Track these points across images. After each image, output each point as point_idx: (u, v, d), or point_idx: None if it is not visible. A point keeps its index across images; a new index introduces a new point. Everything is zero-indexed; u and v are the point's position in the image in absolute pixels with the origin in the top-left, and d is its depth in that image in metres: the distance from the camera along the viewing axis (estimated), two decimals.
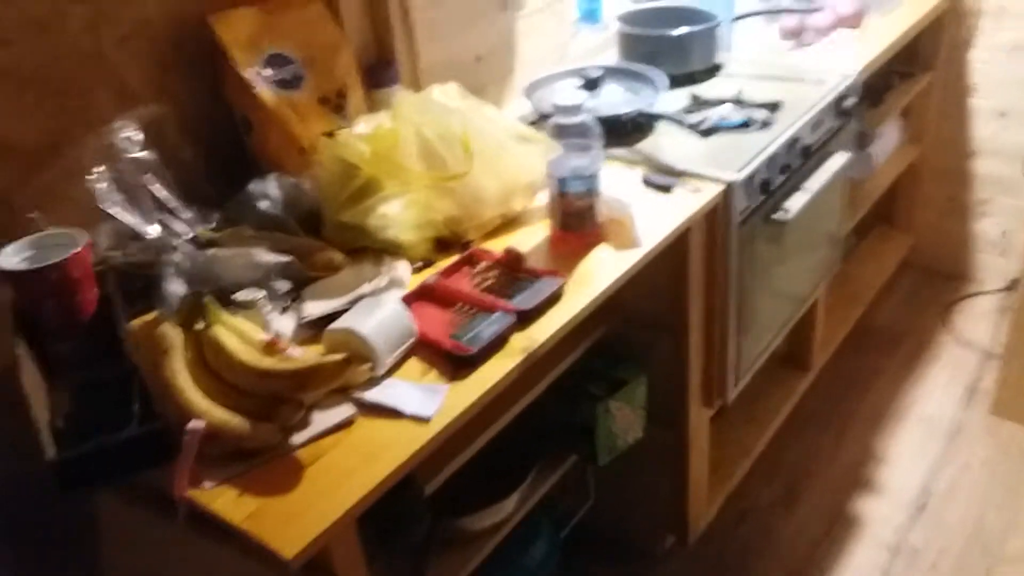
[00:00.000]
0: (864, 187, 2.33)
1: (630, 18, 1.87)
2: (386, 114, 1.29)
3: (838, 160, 1.73)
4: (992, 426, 2.16)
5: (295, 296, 1.19)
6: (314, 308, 1.16)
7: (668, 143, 1.59)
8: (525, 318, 1.14)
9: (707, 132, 1.55)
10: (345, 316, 1.10)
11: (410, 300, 1.18)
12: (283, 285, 1.17)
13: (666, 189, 1.42)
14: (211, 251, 1.15)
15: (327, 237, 1.27)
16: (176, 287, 1.09)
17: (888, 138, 2.40)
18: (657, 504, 1.80)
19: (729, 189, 1.44)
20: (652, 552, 1.87)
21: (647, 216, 1.35)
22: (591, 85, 1.64)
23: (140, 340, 1.06)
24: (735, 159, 1.50)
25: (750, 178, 1.47)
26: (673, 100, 1.71)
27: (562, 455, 1.54)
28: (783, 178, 1.58)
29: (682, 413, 1.64)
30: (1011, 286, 2.62)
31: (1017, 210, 2.54)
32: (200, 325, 1.04)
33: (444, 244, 1.32)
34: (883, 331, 2.52)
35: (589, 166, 1.25)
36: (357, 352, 1.04)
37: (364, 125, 1.26)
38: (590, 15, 2.00)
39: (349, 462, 0.96)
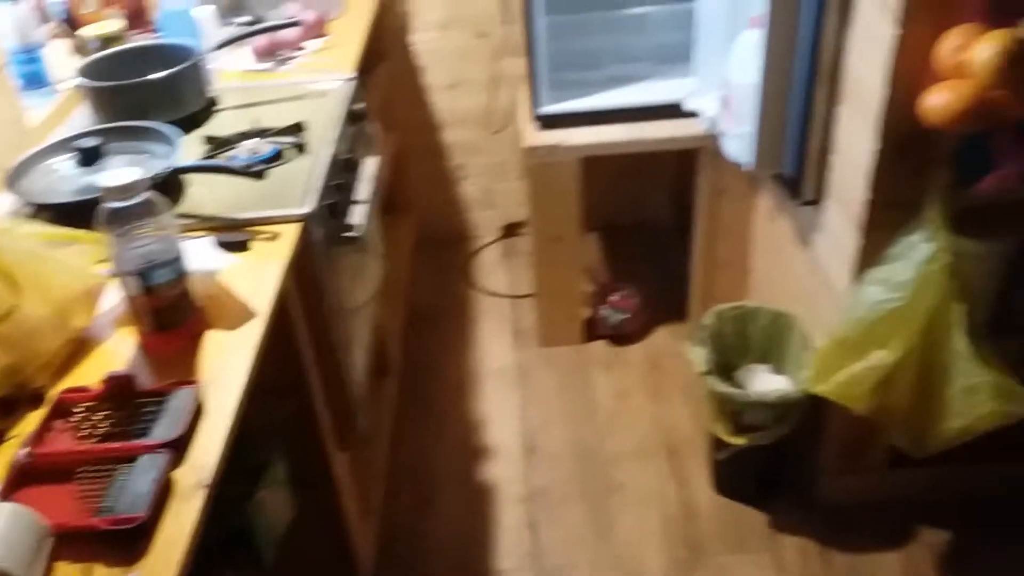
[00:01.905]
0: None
1: (94, 71, 1.61)
2: None
3: (370, 165, 1.73)
4: (546, 356, 2.43)
5: None
6: None
7: (210, 195, 1.41)
8: (178, 447, 0.93)
9: (257, 174, 1.41)
10: None
11: (8, 493, 0.88)
12: None
13: (243, 246, 1.27)
14: None
15: None
16: None
17: (376, 133, 2.48)
18: (323, 567, 1.66)
19: (307, 224, 1.34)
20: None
21: (240, 280, 1.19)
22: (90, 156, 1.38)
23: None
24: (293, 192, 1.40)
25: (319, 206, 1.39)
26: (188, 148, 1.52)
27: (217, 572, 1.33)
28: (340, 196, 1.52)
29: (324, 467, 1.52)
30: (505, 232, 2.96)
31: (488, 167, 2.85)
32: None
33: (8, 405, 1.00)
34: (428, 309, 2.65)
35: (169, 248, 1.05)
36: None
37: None
38: (34, 79, 1.68)
39: None
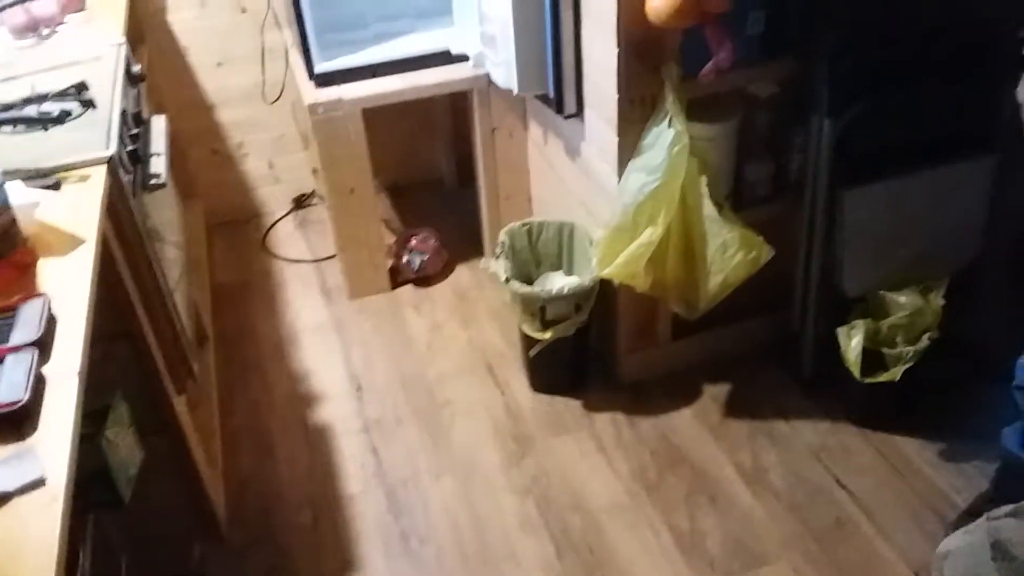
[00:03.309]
0: None
1: None
2: None
3: (159, 121, 1.77)
4: (357, 307, 2.54)
5: None
6: None
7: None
8: (41, 347, 0.97)
9: (58, 119, 1.42)
10: None
11: None
12: None
13: (55, 187, 1.29)
14: None
15: None
16: None
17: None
18: (180, 516, 1.69)
19: (113, 164, 1.38)
20: (188, 568, 1.76)
21: (59, 217, 1.22)
22: None
23: None
24: (92, 139, 1.42)
25: (120, 151, 1.43)
26: None
27: (79, 519, 1.34)
28: (138, 146, 1.56)
29: (167, 411, 1.56)
30: (296, 204, 3.02)
31: (270, 142, 2.90)
32: None
33: None
34: (233, 285, 2.68)
35: None
36: None
37: None
38: None
39: None
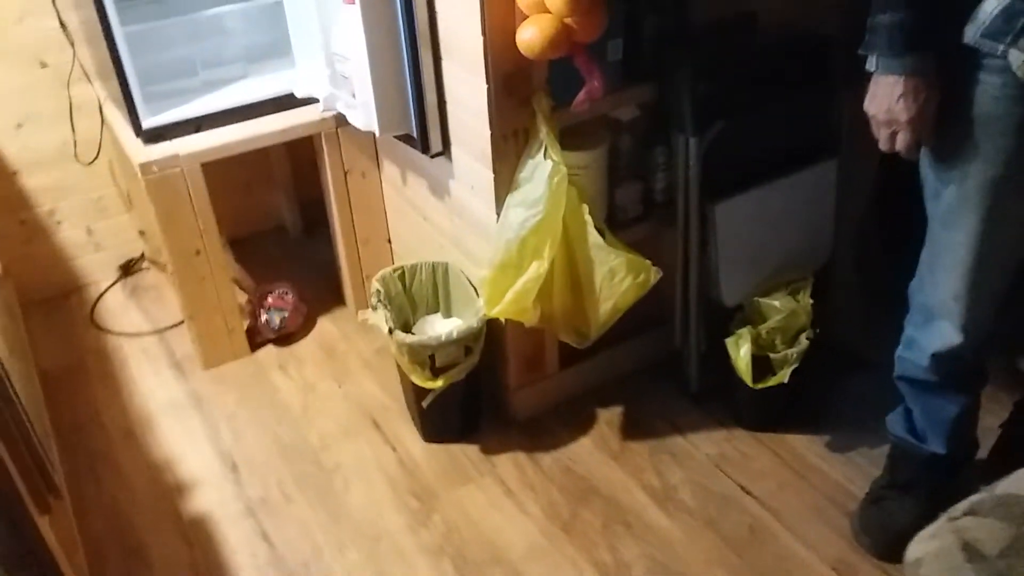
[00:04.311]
0: None
1: None
2: None
3: None
4: (215, 376, 2.33)
5: None
6: None
7: None
8: None
9: None
10: None
11: None
12: None
13: None
14: None
15: None
16: None
17: None
18: None
19: None
20: None
21: None
22: None
23: None
24: None
25: None
26: None
27: None
28: None
29: (33, 539, 1.33)
30: (124, 272, 2.74)
31: (86, 206, 2.62)
32: None
33: None
34: (63, 371, 2.38)
35: None
36: None
37: None
38: None
39: None
